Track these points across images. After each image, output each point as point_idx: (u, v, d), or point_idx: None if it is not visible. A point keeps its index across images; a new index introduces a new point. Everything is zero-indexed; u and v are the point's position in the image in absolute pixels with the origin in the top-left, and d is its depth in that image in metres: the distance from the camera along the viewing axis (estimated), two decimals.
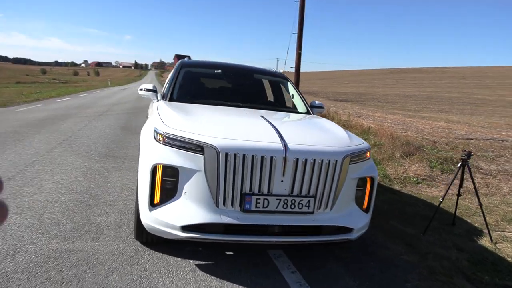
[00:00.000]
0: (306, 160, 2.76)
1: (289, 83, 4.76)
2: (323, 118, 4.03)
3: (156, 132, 2.92)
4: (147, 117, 4.03)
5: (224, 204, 2.72)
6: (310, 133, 3.23)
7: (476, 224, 5.17)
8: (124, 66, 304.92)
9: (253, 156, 2.68)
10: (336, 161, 2.86)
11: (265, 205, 2.74)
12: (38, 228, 3.49)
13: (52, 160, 6.15)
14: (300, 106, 4.47)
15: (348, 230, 3.02)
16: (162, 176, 2.77)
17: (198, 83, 4.55)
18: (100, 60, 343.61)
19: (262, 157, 2.69)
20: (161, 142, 2.83)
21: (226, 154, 2.65)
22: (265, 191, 2.74)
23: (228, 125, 3.13)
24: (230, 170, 2.67)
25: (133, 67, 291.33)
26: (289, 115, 4.09)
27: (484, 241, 4.47)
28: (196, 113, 3.42)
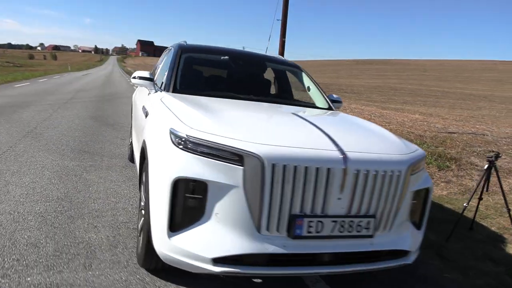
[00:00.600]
0: (368, 171, 2.21)
1: (303, 73, 4.17)
2: (353, 116, 3.50)
3: (174, 134, 2.26)
4: (145, 112, 3.30)
5: (267, 229, 2.12)
6: (361, 137, 2.67)
7: (493, 228, 4.86)
8: (83, 51, 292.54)
9: (306, 168, 2.09)
10: (400, 172, 2.32)
11: (319, 229, 2.16)
12: (10, 252, 2.75)
13: (17, 157, 5.28)
14: (319, 100, 3.90)
15: (405, 253, 2.52)
16: (185, 192, 2.12)
17: (204, 72, 3.87)
18: (57, 44, 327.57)
19: (317, 169, 2.10)
20: (183, 148, 2.18)
21: (274, 166, 2.05)
22: (318, 211, 2.17)
23: (266, 126, 2.50)
24: (278, 186, 2.07)
25: (93, 52, 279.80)
26: (318, 111, 3.51)
27: None
28: (216, 108, 2.77)
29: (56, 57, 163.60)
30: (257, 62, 4.17)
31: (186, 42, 4.05)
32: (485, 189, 4.53)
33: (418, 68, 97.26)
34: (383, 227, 2.36)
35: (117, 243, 3.04)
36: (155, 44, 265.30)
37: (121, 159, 5.67)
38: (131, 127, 5.62)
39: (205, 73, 3.88)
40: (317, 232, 2.16)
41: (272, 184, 2.06)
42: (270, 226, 2.11)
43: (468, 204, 4.38)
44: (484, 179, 4.46)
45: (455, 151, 9.13)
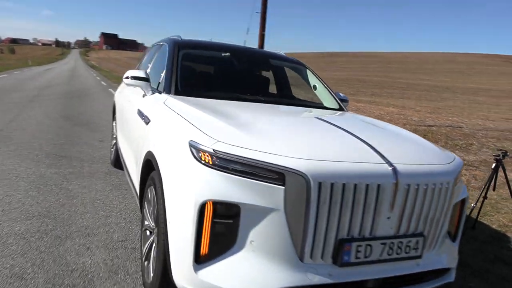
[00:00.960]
0: (418, 185, 1.96)
1: (308, 70, 3.88)
2: (374, 118, 3.25)
3: (195, 148, 1.92)
4: (145, 117, 2.91)
5: (311, 256, 1.83)
6: (401, 145, 2.40)
7: (494, 226, 4.78)
8: (43, 44, 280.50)
9: (355, 185, 1.81)
10: (449, 184, 2.09)
11: (367, 254, 1.90)
12: None
13: None
14: (328, 100, 3.62)
15: (446, 270, 2.30)
16: (213, 216, 1.80)
17: (206, 70, 3.50)
18: (15, 37, 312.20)
19: (367, 185, 1.83)
20: (209, 164, 1.85)
21: (320, 184, 1.76)
22: (367, 233, 1.90)
23: (301, 137, 2.19)
24: (325, 207, 1.78)
25: (54, 45, 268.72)
26: (336, 113, 3.22)
27: None
28: (233, 114, 2.43)
29: (14, 50, 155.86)
30: (261, 59, 3.84)
31: (180, 37, 3.67)
32: (491, 188, 4.44)
33: (382, 60, 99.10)
34: (429, 246, 2.13)
35: (116, 268, 2.67)
36: (120, 37, 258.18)
37: (103, 164, 5.21)
38: (113, 129, 5.18)
39: (207, 72, 3.51)
40: (366, 257, 1.90)
41: (318, 205, 1.77)
42: (314, 253, 1.83)
43: (476, 204, 4.26)
44: (491, 177, 4.35)
45: (439, 145, 9.15)
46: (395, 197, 1.90)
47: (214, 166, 1.83)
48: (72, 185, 4.26)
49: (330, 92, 3.68)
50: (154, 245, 2.33)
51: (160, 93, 3.01)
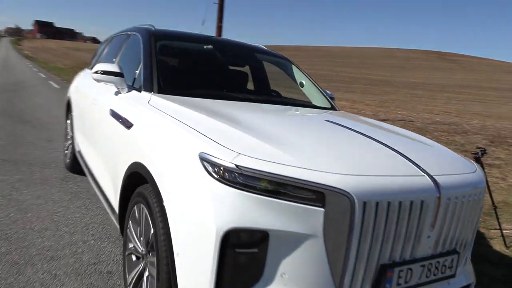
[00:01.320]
0: (458, 198, 1.76)
1: (294, 66, 3.61)
2: (371, 119, 3.05)
3: (209, 162, 1.56)
4: (123, 119, 2.47)
5: (350, 287, 1.57)
6: (427, 153, 2.18)
7: None
8: None
9: (400, 203, 1.57)
10: (481, 193, 1.93)
11: (408, 279, 1.67)
12: None
13: None
14: (317, 98, 3.37)
15: (467, 286, 2.15)
16: (235, 246, 1.48)
17: (189, 65, 3.08)
18: None
19: (411, 202, 1.60)
20: (230, 183, 1.51)
21: (365, 204, 1.49)
22: (407, 256, 1.67)
23: (329, 147, 1.88)
24: (369, 230, 1.52)
25: None
26: (337, 114, 2.95)
27: (500, 247, 4.11)
28: (239, 118, 2.09)
29: None
30: (246, 52, 3.50)
31: (153, 26, 3.23)
32: None
33: (327, 54, 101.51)
34: (461, 262, 1.96)
35: None
36: (56, 25, 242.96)
37: (56, 169, 4.62)
38: (68, 128, 4.60)
39: (191, 66, 3.10)
40: (406, 282, 1.67)
41: (361, 228, 1.50)
42: (354, 283, 1.57)
43: None
44: None
45: None
46: (437, 213, 1.69)
47: (236, 185, 1.50)
48: (23, 196, 3.69)
49: (319, 90, 3.44)
50: (146, 274, 1.96)
51: (138, 91, 2.59)
